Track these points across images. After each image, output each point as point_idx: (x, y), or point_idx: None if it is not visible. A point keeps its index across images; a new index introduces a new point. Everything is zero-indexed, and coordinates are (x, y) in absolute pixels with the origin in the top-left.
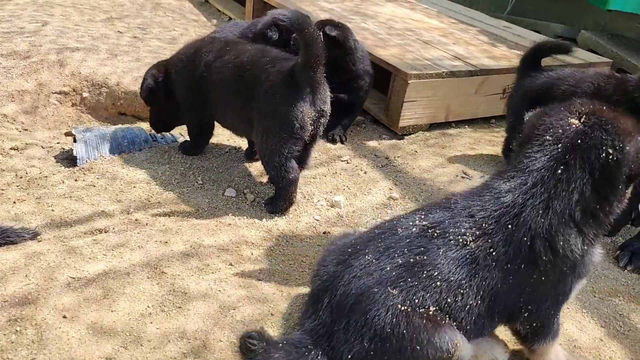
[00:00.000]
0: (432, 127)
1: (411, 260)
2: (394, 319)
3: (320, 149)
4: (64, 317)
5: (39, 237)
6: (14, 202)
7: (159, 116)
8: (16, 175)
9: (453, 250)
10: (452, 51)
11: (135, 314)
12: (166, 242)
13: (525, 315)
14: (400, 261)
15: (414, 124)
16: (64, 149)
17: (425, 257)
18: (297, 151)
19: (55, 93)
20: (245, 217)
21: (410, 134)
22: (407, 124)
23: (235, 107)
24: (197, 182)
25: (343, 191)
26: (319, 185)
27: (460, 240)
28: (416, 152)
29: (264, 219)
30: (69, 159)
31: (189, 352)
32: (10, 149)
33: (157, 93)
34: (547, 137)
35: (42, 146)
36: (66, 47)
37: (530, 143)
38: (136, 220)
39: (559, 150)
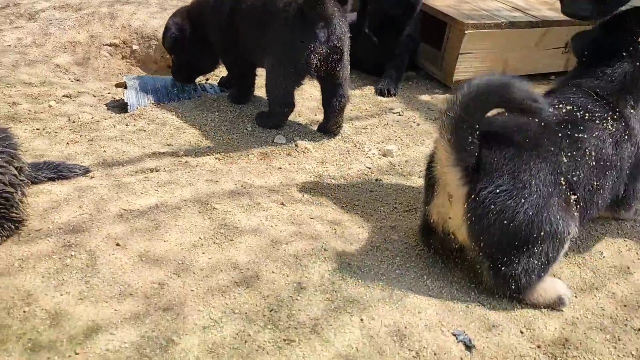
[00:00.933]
0: None
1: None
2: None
3: (371, 101)
4: (117, 244)
5: (90, 173)
6: (67, 144)
7: (181, 65)
8: (69, 119)
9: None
10: (510, 2)
11: (187, 245)
12: (217, 182)
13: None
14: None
15: (469, 77)
16: (114, 98)
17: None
18: (299, 86)
19: (106, 45)
20: (295, 163)
21: None
22: (461, 77)
23: (258, 39)
24: (246, 129)
25: (395, 141)
26: (370, 136)
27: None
28: None
29: (315, 165)
30: (119, 107)
31: (241, 281)
32: (63, 96)
33: (182, 41)
34: None
35: (93, 95)
36: (117, 0)
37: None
38: (186, 162)
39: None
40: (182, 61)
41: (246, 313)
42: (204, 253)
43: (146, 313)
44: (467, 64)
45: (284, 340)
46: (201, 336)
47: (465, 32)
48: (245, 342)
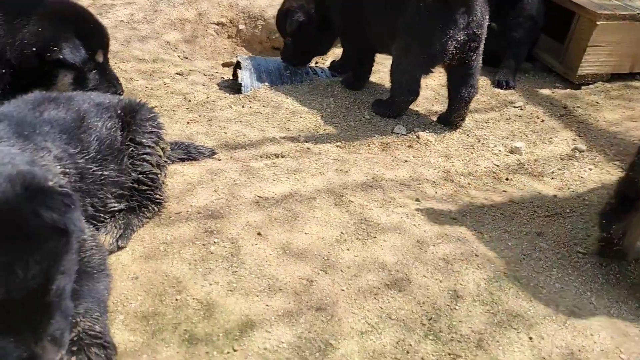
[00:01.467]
0: (612, 77)
1: None
2: None
3: (488, 93)
4: (258, 234)
5: (216, 155)
6: (187, 123)
7: (298, 49)
8: (184, 98)
9: None
10: None
11: (329, 239)
12: (346, 172)
13: None
14: None
15: (595, 72)
16: (223, 77)
17: None
18: (427, 74)
19: (213, 24)
20: (419, 156)
21: (587, 84)
22: (587, 72)
23: (386, 22)
24: (364, 117)
25: (520, 138)
26: (493, 130)
27: None
28: (597, 103)
29: (439, 159)
30: (231, 87)
31: (391, 283)
32: (176, 74)
33: (306, 25)
34: None
35: (203, 74)
36: None
37: None
38: (307, 148)
39: None
40: (300, 45)
41: (403, 320)
42: (348, 250)
43: (299, 311)
44: (594, 58)
45: (449, 354)
46: (360, 342)
47: (597, 22)
48: (407, 352)
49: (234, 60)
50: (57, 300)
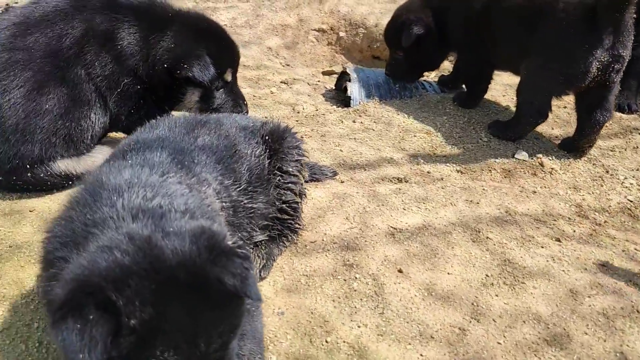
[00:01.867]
0: None
1: None
2: None
3: None
4: (399, 271)
5: (337, 176)
6: (302, 137)
7: (409, 64)
8: (293, 109)
9: None
10: None
11: (475, 282)
12: (477, 203)
13: None
14: None
15: None
16: (326, 87)
17: None
18: (562, 96)
19: (313, 30)
20: (546, 187)
21: None
22: None
23: (518, 39)
24: (481, 139)
25: None
26: (621, 160)
27: None
28: None
29: (568, 191)
30: (336, 99)
31: (550, 339)
32: (281, 82)
33: (423, 38)
34: None
35: (307, 83)
36: None
37: None
38: (428, 172)
39: None
40: (413, 60)
41: None
42: (497, 295)
43: None
44: None
45: None
46: None
47: None
48: None
49: (334, 68)
50: None
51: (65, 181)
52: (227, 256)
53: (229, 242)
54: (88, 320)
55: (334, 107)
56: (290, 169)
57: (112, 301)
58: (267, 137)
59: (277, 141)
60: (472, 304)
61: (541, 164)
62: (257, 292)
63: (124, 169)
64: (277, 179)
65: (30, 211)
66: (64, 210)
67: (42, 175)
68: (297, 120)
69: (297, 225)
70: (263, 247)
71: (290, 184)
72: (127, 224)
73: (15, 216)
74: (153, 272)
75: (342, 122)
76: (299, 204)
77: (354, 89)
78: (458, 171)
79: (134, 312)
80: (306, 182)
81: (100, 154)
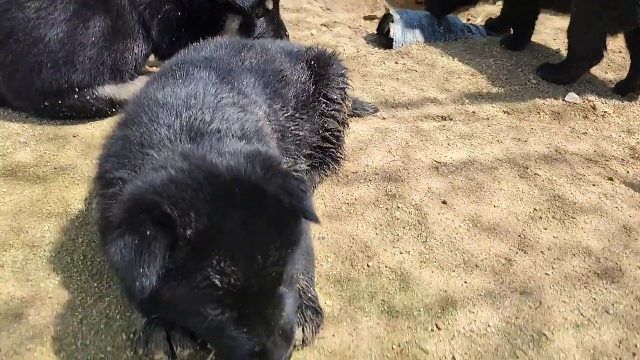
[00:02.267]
0: None
1: None
2: None
3: None
4: (443, 202)
5: (377, 112)
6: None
7: None
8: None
9: None
10: None
11: (522, 216)
12: (525, 141)
13: None
14: None
15: None
16: (367, 31)
17: None
18: (615, 35)
19: None
20: (598, 129)
21: None
22: None
23: None
24: (529, 81)
25: None
26: None
27: None
28: None
29: (622, 134)
30: (377, 42)
31: (601, 273)
32: (321, 25)
33: None
34: None
35: (349, 26)
36: None
37: None
38: (473, 112)
39: None
40: None
41: (623, 316)
42: (545, 229)
43: (502, 294)
44: None
45: None
46: (576, 336)
47: None
48: (634, 355)
49: (376, 13)
50: (288, 291)
51: (108, 107)
52: (283, 177)
53: (285, 166)
54: (145, 236)
55: (376, 49)
56: (335, 97)
57: (168, 215)
58: (312, 63)
59: (322, 67)
60: (519, 236)
61: (593, 107)
62: (314, 212)
63: (178, 88)
64: (322, 106)
65: (73, 136)
66: (119, 128)
67: (87, 98)
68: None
69: (339, 154)
70: (305, 175)
71: (334, 112)
72: (184, 145)
73: (60, 141)
74: (207, 185)
75: (384, 63)
76: (342, 132)
77: (396, 30)
78: (505, 112)
79: (190, 223)
80: (349, 116)
81: (142, 83)
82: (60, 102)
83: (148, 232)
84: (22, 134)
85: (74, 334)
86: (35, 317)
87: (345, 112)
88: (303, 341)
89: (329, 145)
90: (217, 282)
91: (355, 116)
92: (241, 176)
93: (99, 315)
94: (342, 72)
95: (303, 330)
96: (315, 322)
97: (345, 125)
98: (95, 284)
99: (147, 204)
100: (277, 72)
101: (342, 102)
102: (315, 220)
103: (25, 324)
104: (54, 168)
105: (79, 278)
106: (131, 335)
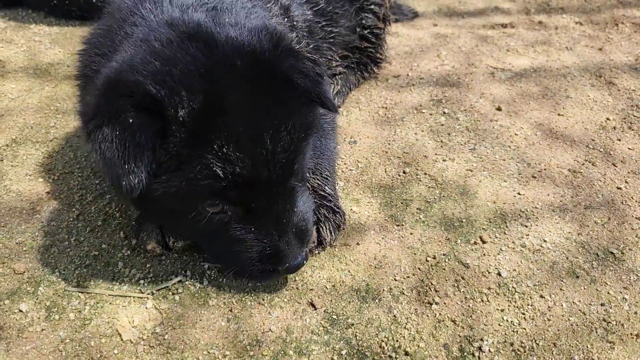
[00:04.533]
0: None
1: None
2: None
3: None
4: (498, 109)
5: (417, 17)
6: None
7: None
8: None
9: None
10: None
11: (592, 125)
12: (600, 49)
13: None
14: None
15: None
16: None
17: None
18: None
19: None
20: None
21: None
22: None
23: None
24: None
25: None
26: None
27: None
28: None
29: None
30: None
31: None
32: None
33: None
34: None
35: None
36: None
37: None
38: (540, 22)
39: None
40: None
41: None
42: (619, 140)
43: (562, 207)
44: None
45: None
46: None
47: None
48: None
49: None
50: (301, 185)
51: None
52: (295, 55)
53: (298, 47)
54: (128, 125)
55: None
56: None
57: (152, 95)
58: None
59: None
60: (587, 146)
61: None
62: (331, 98)
63: None
64: (360, 1)
65: None
66: (102, 20)
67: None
68: None
69: (378, 55)
70: (339, 76)
71: (373, 6)
72: (171, 14)
73: (76, 41)
74: (202, 57)
75: None
76: (382, 30)
77: None
78: (577, 22)
79: (181, 103)
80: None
81: None
82: (68, 2)
83: (131, 121)
84: (38, 33)
85: (69, 229)
86: (29, 211)
87: (386, 7)
88: (320, 243)
89: (368, 44)
90: (220, 172)
91: (394, 21)
92: (244, 48)
93: (97, 213)
94: None
95: (318, 231)
96: (333, 221)
97: (387, 22)
98: (97, 181)
99: (126, 86)
100: None
101: None
102: (332, 107)
103: (17, 217)
104: (67, 66)
105: (80, 174)
106: (129, 233)
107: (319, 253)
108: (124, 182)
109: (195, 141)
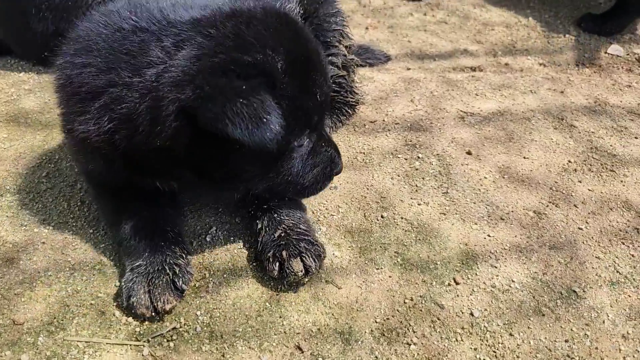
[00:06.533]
0: None
1: None
2: None
3: None
4: (468, 152)
5: (390, 61)
6: (367, 29)
7: None
8: (359, 3)
9: None
10: None
11: (556, 168)
12: (562, 92)
13: None
14: None
15: None
16: None
17: None
18: None
19: None
20: None
21: None
22: None
23: None
24: (568, 33)
25: None
26: None
27: None
28: None
29: None
30: None
31: None
32: None
33: None
34: None
35: None
36: None
37: None
38: (506, 64)
39: None
40: None
41: None
42: (580, 182)
43: (529, 248)
44: None
45: None
46: (610, 294)
47: None
48: None
49: None
50: None
51: None
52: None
53: None
54: (250, 92)
55: (405, 1)
56: (329, 39)
57: (254, 63)
58: (303, 0)
59: (312, 4)
60: (551, 188)
61: (638, 60)
62: None
63: None
64: None
65: None
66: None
67: None
68: (362, 14)
69: (350, 99)
70: None
71: (331, 57)
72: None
73: None
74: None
75: (412, 15)
76: (346, 77)
77: None
78: (541, 64)
79: (274, 60)
80: (360, 66)
81: None
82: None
83: (250, 88)
84: (27, 82)
85: (65, 279)
86: (26, 262)
87: (345, 56)
88: (307, 271)
89: (336, 91)
90: (314, 105)
91: (367, 65)
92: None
93: (92, 262)
94: (335, 11)
95: (303, 261)
96: (313, 251)
97: (350, 70)
98: (90, 230)
99: (221, 62)
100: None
101: (337, 44)
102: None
103: (15, 268)
104: (58, 115)
105: (74, 224)
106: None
107: (308, 280)
108: (267, 134)
109: (293, 85)
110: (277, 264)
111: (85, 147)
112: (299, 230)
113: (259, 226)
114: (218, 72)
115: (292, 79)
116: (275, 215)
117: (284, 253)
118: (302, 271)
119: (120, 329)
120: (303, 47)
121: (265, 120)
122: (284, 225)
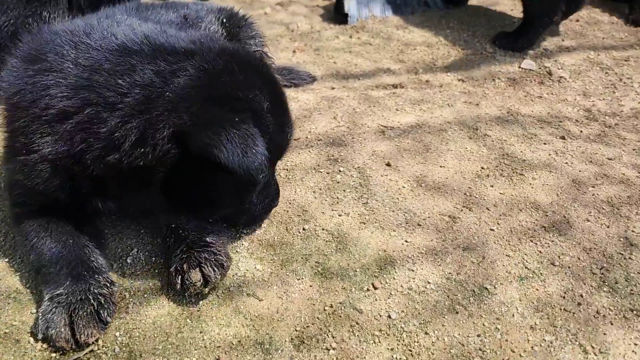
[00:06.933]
0: None
1: None
2: None
3: (625, 30)
4: (387, 164)
5: (315, 82)
6: (294, 52)
7: None
8: (287, 28)
9: None
10: None
11: (469, 174)
12: (476, 105)
13: None
14: None
15: None
16: (324, 10)
17: None
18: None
19: None
20: (554, 93)
21: None
22: None
23: None
24: (485, 50)
25: None
26: (636, 69)
27: None
28: None
29: (577, 97)
30: (334, 19)
31: (549, 226)
32: (276, 4)
33: None
34: None
35: (305, 5)
36: None
37: None
38: (427, 81)
39: None
40: None
41: (569, 267)
42: (492, 186)
43: (444, 250)
44: None
45: (631, 310)
46: (520, 289)
47: None
48: (579, 304)
49: None
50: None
51: None
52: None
53: None
54: (241, 124)
55: (332, 25)
56: None
57: (244, 99)
58: (223, 20)
59: (234, 27)
60: (465, 194)
61: (549, 73)
62: None
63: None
64: None
65: None
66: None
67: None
68: (290, 38)
69: None
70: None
71: None
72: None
73: None
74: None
75: (338, 37)
76: None
77: (351, 6)
78: (459, 80)
79: (259, 98)
80: (285, 86)
81: None
82: None
83: (240, 120)
84: None
85: None
86: None
87: None
88: (206, 281)
89: None
90: (284, 142)
91: (293, 86)
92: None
93: (8, 291)
94: (254, 34)
95: (202, 271)
96: (214, 261)
97: None
98: (7, 259)
99: (216, 95)
100: (180, 20)
101: None
102: None
103: None
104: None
105: None
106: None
107: (208, 292)
108: (255, 163)
109: (274, 123)
110: (180, 277)
111: (45, 167)
112: (202, 242)
113: (167, 244)
114: (214, 103)
115: (273, 118)
116: (181, 231)
117: (184, 265)
118: (200, 281)
119: (35, 355)
120: (279, 90)
121: (254, 150)
122: (188, 240)
